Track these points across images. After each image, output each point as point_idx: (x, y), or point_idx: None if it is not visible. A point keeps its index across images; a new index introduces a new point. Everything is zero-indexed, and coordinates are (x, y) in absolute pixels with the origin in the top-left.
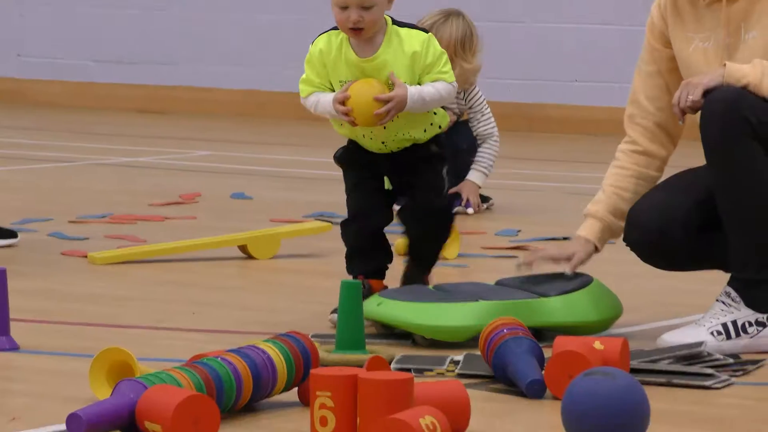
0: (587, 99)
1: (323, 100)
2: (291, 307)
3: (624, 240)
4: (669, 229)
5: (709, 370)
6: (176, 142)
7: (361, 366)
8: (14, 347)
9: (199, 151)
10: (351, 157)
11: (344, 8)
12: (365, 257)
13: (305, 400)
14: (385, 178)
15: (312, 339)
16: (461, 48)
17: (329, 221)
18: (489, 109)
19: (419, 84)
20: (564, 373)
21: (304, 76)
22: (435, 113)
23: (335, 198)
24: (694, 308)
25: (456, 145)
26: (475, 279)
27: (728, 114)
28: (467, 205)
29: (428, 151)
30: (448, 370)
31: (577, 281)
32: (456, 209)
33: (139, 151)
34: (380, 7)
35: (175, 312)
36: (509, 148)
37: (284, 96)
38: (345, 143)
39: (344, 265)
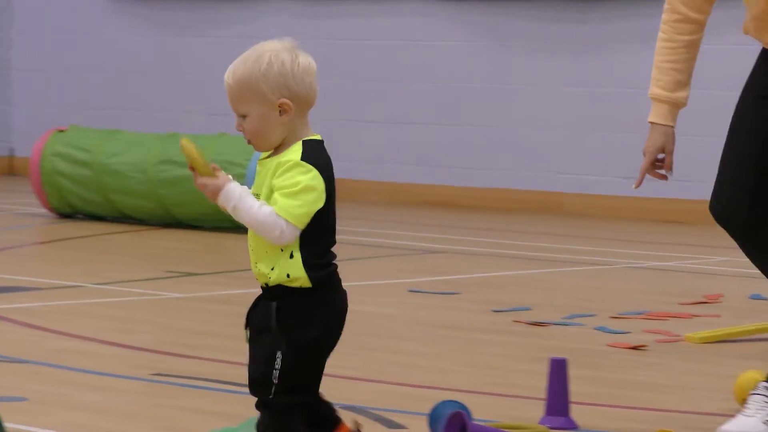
0: None
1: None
2: None
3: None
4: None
5: None
6: (695, 249)
7: None
8: (572, 427)
9: (719, 257)
10: None
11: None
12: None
13: None
14: None
15: None
16: None
17: None
18: None
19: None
20: None
21: None
22: (291, 257)
23: None
24: None
25: None
26: None
27: None
28: None
29: (266, 319)
30: None
31: None
32: None
33: (667, 257)
34: (257, 118)
35: (706, 398)
36: None
37: None
38: None
39: None
